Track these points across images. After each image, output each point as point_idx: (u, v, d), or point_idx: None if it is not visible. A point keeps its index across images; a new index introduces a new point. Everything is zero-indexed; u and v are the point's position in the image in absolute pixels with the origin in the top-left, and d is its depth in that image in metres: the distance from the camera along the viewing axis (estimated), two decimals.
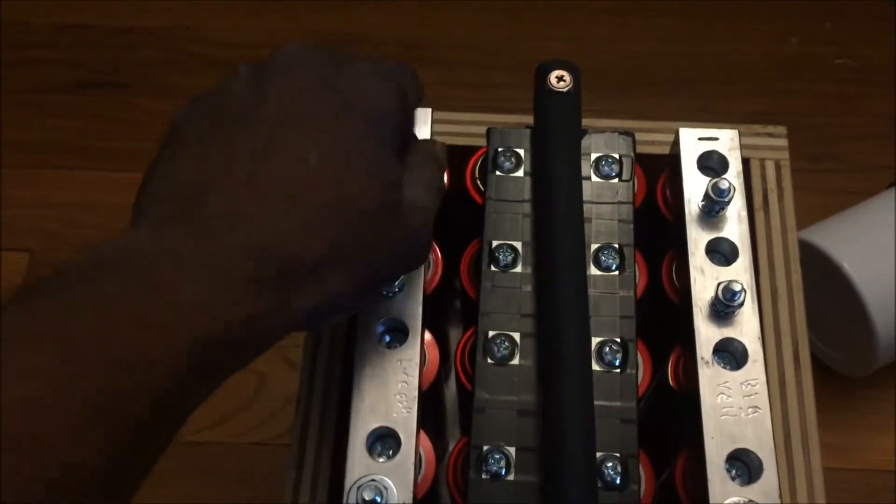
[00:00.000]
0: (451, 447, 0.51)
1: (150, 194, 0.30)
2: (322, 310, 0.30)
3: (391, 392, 0.37)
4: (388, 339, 0.39)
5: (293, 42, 0.33)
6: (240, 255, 0.28)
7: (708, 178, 0.42)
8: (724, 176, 0.42)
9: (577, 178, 0.41)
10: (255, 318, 0.28)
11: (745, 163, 0.46)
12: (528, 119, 0.48)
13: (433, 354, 0.41)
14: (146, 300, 0.25)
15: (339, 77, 0.32)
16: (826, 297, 0.64)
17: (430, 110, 0.45)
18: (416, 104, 0.36)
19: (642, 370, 0.40)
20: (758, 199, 0.46)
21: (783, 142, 0.49)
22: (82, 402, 0.22)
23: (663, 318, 0.43)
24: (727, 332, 0.38)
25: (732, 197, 0.40)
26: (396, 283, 0.39)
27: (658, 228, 0.45)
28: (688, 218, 0.41)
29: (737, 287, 0.37)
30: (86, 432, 0.22)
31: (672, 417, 0.42)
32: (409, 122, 0.36)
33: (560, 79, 0.43)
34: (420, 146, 0.36)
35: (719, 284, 0.38)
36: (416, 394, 0.37)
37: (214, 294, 0.27)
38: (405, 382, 0.37)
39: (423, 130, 0.44)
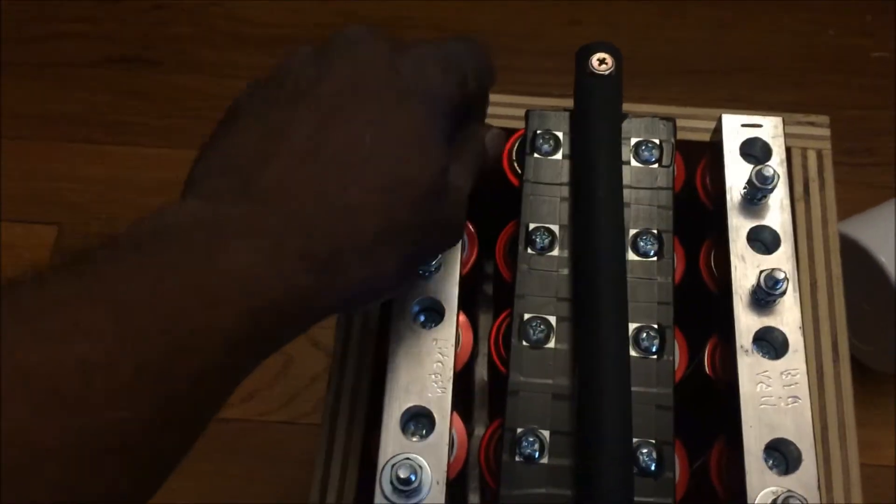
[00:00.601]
0: (478, 430, 0.51)
1: (206, 167, 0.30)
2: (366, 291, 0.30)
3: (426, 372, 0.36)
4: (423, 318, 0.39)
5: (355, 25, 0.33)
6: (293, 228, 0.27)
7: (751, 166, 0.41)
8: (767, 163, 0.41)
9: (618, 163, 0.41)
10: (304, 294, 0.27)
11: (787, 151, 0.45)
12: (566, 103, 0.47)
13: (467, 336, 0.40)
14: (200, 268, 0.25)
15: (400, 60, 0.32)
16: (860, 290, 0.64)
17: None
18: (482, 86, 0.37)
19: (678, 357, 0.39)
20: (798, 188, 0.46)
21: (825, 131, 0.48)
22: (133, 366, 0.22)
23: (700, 305, 0.43)
24: (767, 321, 0.38)
25: (776, 185, 0.40)
26: (434, 262, 0.38)
27: (696, 215, 0.45)
28: (729, 205, 0.41)
29: (780, 275, 0.37)
30: (134, 396, 0.22)
31: (707, 405, 0.41)
32: (467, 106, 0.36)
33: (602, 61, 0.43)
34: (472, 130, 0.37)
35: (762, 272, 0.37)
36: (451, 374, 0.37)
37: (267, 266, 0.26)
38: (440, 363, 0.37)
39: None
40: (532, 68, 0.86)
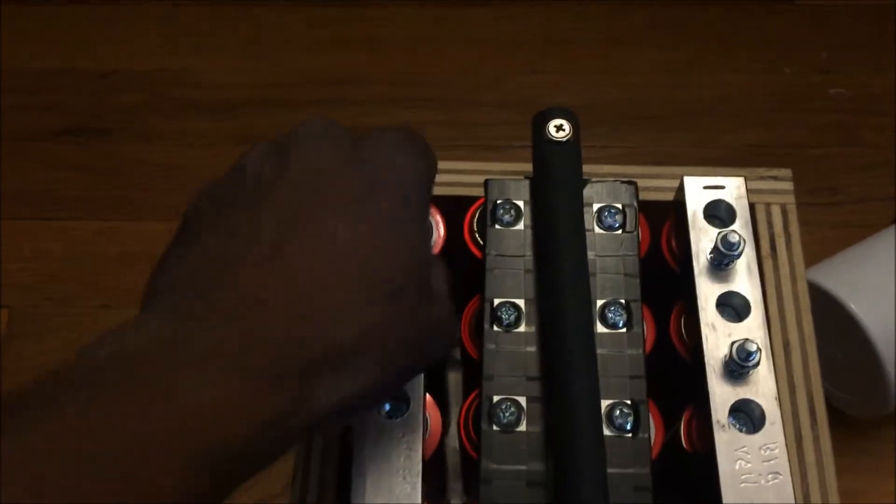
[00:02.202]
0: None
1: (166, 281, 0.27)
2: (345, 407, 0.27)
3: (394, 468, 0.35)
4: (387, 407, 0.37)
5: (313, 117, 0.30)
6: (259, 345, 0.25)
7: (715, 229, 0.40)
8: (732, 227, 0.41)
9: (581, 235, 0.39)
10: (273, 420, 0.25)
11: (751, 208, 0.45)
12: (524, 165, 0.46)
13: (435, 418, 0.39)
14: (141, 413, 0.23)
15: (364, 150, 0.29)
16: (833, 338, 0.63)
17: None
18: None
19: (654, 432, 0.38)
20: (765, 245, 0.45)
21: (789, 185, 0.47)
22: None
23: (672, 372, 0.41)
24: (742, 393, 0.37)
25: (743, 250, 0.39)
26: None
27: (663, 277, 0.44)
28: (696, 271, 0.40)
29: (752, 347, 0.36)
30: None
31: (685, 480, 0.40)
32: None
33: (559, 128, 0.42)
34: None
35: (733, 343, 0.36)
36: (419, 468, 0.35)
37: (228, 393, 0.24)
38: (408, 457, 0.35)
39: None
40: (491, 120, 0.86)
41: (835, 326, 0.63)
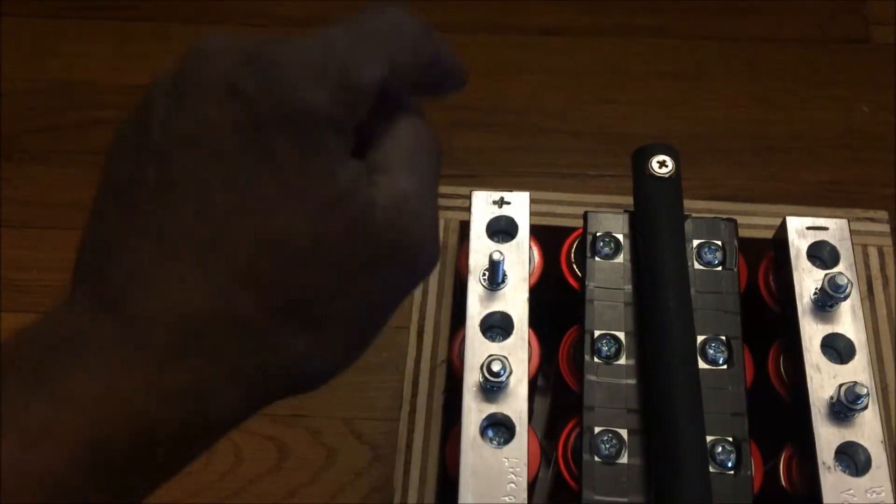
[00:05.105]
0: None
1: (79, 258, 0.25)
2: (264, 379, 0.24)
3: (499, 493, 0.35)
4: (491, 433, 0.38)
5: (209, 38, 0.25)
6: (153, 325, 0.23)
7: (819, 270, 0.41)
8: (837, 268, 0.41)
9: (685, 270, 0.40)
10: (176, 395, 0.23)
11: None
12: (614, 197, 0.47)
13: (534, 446, 0.39)
14: (27, 403, 0.22)
15: (257, 77, 0.24)
16: None
17: (527, 195, 0.44)
18: (406, 68, 0.26)
19: (753, 469, 0.38)
20: (862, 287, 0.45)
21: (885, 227, 0.47)
22: None
23: (767, 411, 0.42)
24: (848, 436, 0.37)
25: (850, 292, 0.39)
26: (503, 375, 0.37)
27: (759, 315, 0.44)
28: (800, 311, 0.40)
29: (862, 391, 0.36)
30: None
31: None
32: (387, 98, 0.26)
33: (662, 164, 0.42)
34: (397, 117, 0.27)
35: (841, 386, 0.36)
36: (524, 496, 0.36)
37: (124, 372, 0.22)
38: (513, 484, 0.36)
39: (521, 215, 0.43)
40: (563, 147, 0.86)
41: None
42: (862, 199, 0.82)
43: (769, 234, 0.45)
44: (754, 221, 0.47)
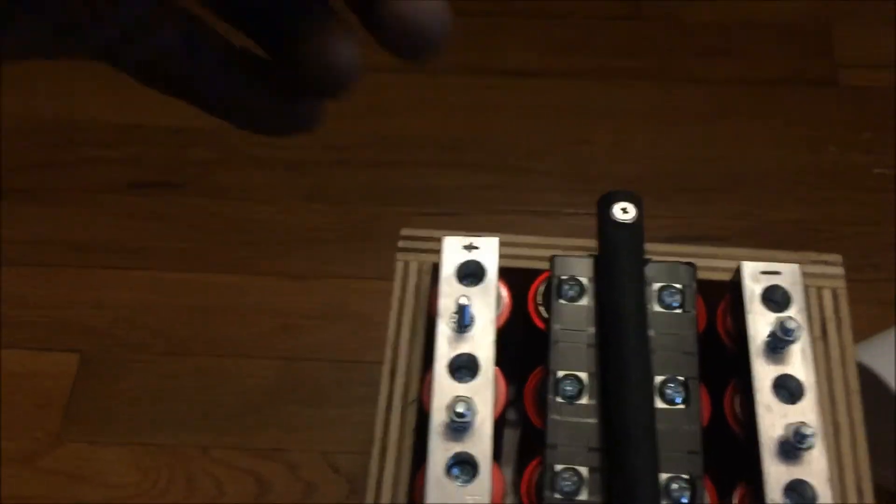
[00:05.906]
0: None
1: None
2: None
3: None
4: (456, 472, 0.39)
5: None
6: None
7: (772, 313, 0.43)
8: (788, 311, 0.43)
9: (643, 314, 0.42)
10: None
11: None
12: (582, 240, 0.49)
13: (498, 484, 0.41)
14: None
15: None
16: (877, 417, 0.64)
17: (497, 240, 0.46)
18: None
19: None
20: (816, 328, 0.47)
21: (839, 270, 0.49)
22: None
23: (724, 446, 0.43)
24: (796, 473, 0.38)
25: (800, 335, 0.41)
26: (467, 416, 0.39)
27: (719, 353, 0.46)
28: (753, 352, 0.42)
29: (808, 431, 0.37)
30: None
31: None
32: None
33: (624, 210, 0.44)
34: None
35: (790, 425, 0.38)
36: None
37: None
38: None
39: (490, 260, 0.45)
40: (540, 187, 0.88)
41: (878, 406, 0.64)
42: (829, 237, 0.84)
43: (728, 277, 0.47)
44: (714, 264, 0.49)
